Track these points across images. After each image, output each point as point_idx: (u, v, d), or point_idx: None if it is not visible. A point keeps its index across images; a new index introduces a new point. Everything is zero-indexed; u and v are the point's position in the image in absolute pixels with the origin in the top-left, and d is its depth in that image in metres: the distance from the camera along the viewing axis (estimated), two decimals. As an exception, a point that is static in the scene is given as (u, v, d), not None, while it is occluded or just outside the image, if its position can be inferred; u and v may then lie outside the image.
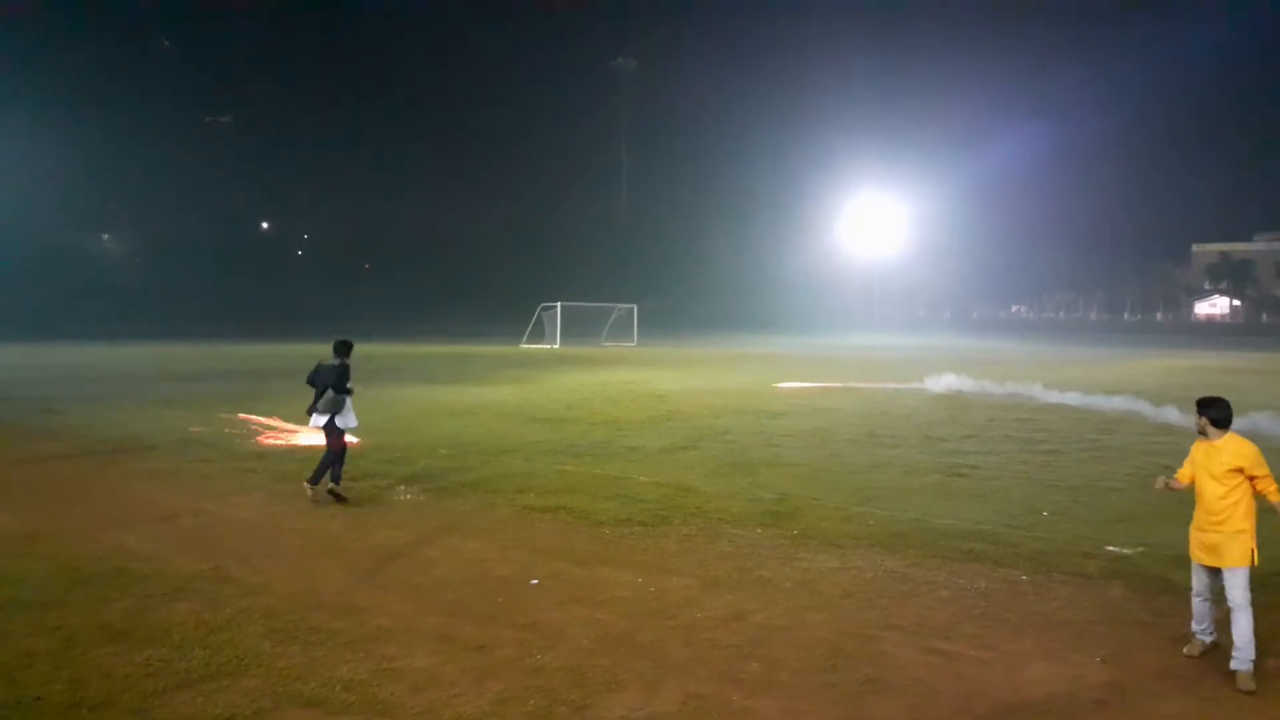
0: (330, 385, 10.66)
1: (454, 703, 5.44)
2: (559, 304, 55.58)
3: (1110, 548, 9.08)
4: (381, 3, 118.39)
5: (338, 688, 5.60)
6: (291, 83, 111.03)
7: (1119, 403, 21.51)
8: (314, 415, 10.84)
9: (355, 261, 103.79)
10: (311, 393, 10.96)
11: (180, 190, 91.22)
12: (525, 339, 54.64)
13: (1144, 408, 20.33)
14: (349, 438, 11.29)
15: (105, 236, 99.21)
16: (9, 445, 15.18)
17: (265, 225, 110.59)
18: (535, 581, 7.87)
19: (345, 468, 10.98)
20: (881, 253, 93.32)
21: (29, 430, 17.02)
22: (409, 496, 11.37)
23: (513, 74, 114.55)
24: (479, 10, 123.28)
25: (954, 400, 23.97)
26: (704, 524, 9.95)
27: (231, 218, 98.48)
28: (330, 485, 10.72)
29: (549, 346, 52.85)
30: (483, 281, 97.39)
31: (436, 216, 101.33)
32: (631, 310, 60.00)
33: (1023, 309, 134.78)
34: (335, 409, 10.70)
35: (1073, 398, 22.88)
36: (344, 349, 11.03)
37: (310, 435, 15.13)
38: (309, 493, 10.68)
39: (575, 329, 56.08)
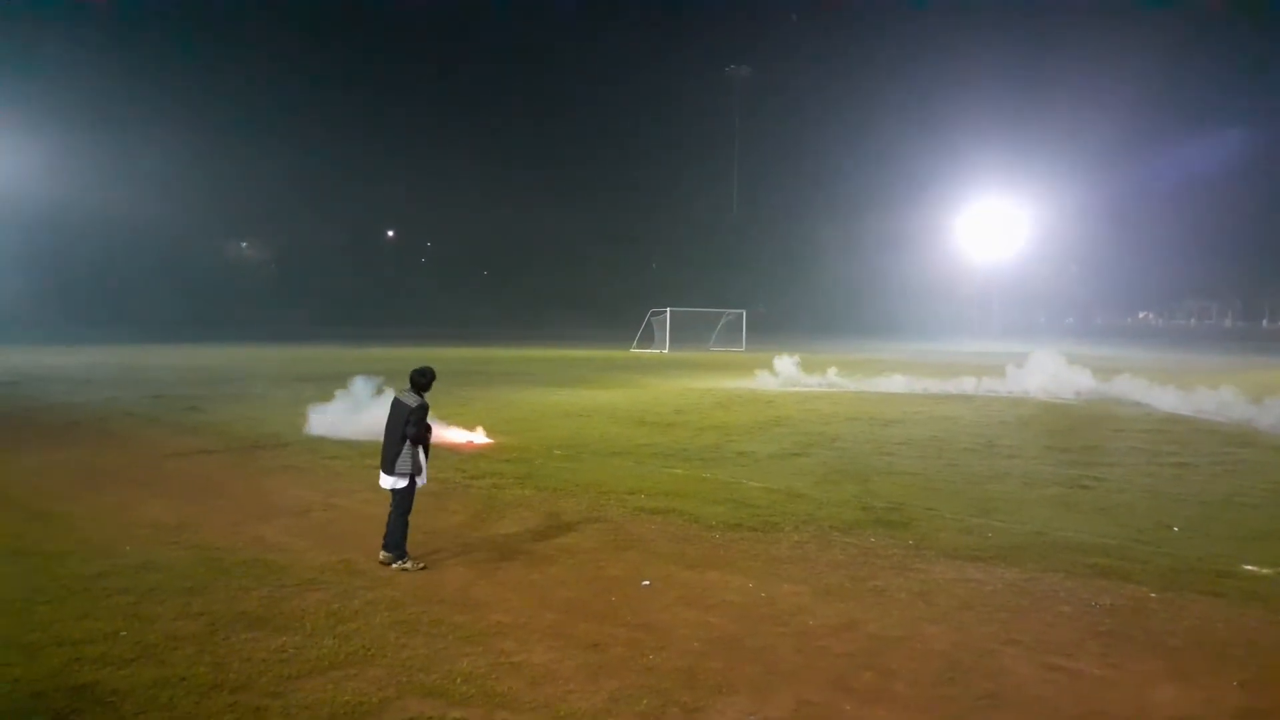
0: (406, 434, 8.32)
1: (569, 699, 5.60)
2: (668, 309, 55.85)
3: (1248, 567, 8.62)
4: (498, 15, 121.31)
5: (458, 680, 5.83)
6: (414, 94, 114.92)
7: (1245, 412, 20.30)
8: (386, 477, 8.47)
9: (473, 268, 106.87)
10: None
11: (312, 200, 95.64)
12: (635, 343, 55.12)
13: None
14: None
15: (244, 244, 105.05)
16: (160, 440, 16.26)
17: (390, 234, 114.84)
18: (647, 583, 7.99)
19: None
20: (1000, 257, 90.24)
21: (176, 427, 18.18)
22: (525, 495, 11.67)
23: (625, 82, 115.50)
24: (592, 20, 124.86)
25: (1075, 410, 23.04)
26: (815, 531, 9.89)
27: (359, 226, 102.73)
28: (394, 560, 8.40)
29: (658, 351, 53.18)
30: (594, 287, 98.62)
31: (550, 224, 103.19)
32: (740, 315, 59.80)
33: (1150, 315, 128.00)
34: (416, 469, 8.42)
35: (1207, 404, 21.70)
36: (423, 381, 8.67)
37: (451, 433, 15.70)
38: (396, 566, 8.35)
39: (684, 334, 56.27)
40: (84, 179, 70.06)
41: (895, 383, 29.31)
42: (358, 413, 16.65)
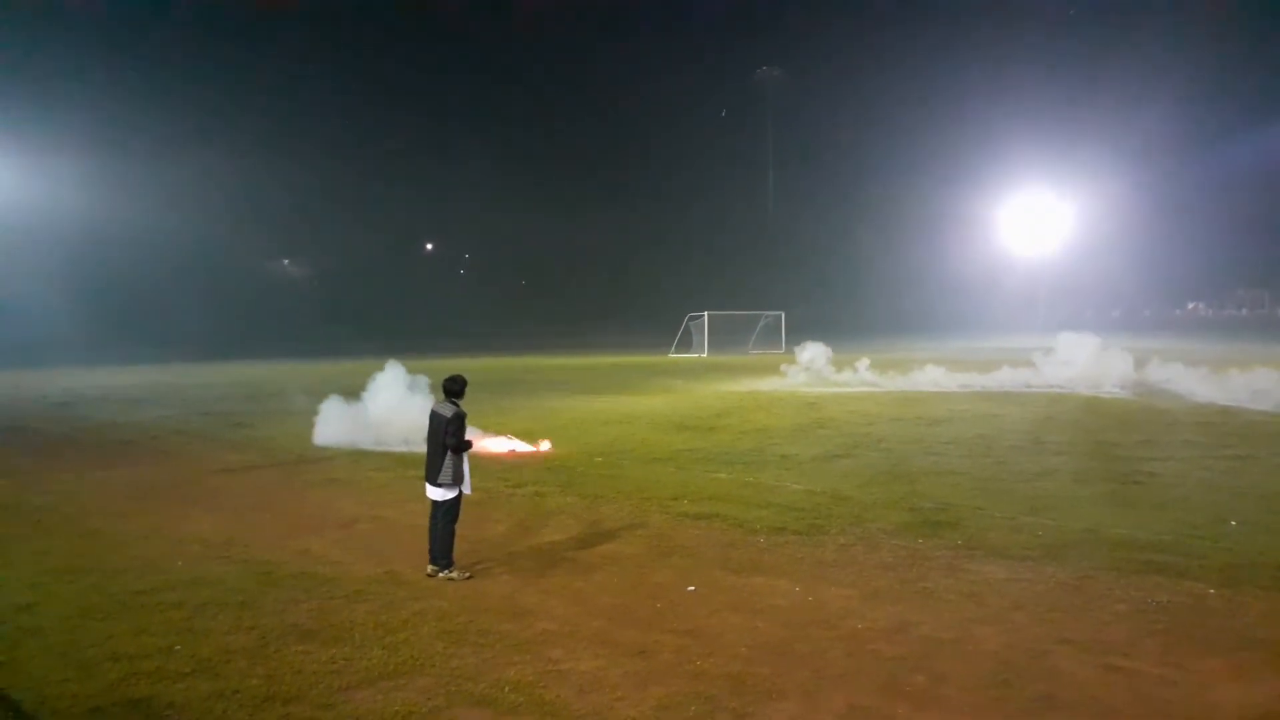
0: (446, 445, 8.36)
1: (618, 706, 5.58)
2: (706, 313, 55.72)
3: (1313, 561, 8.37)
4: (533, 25, 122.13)
5: (506, 688, 5.83)
6: (448, 105, 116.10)
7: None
8: (432, 488, 8.53)
9: (511, 278, 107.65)
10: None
11: (351, 215, 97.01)
12: (674, 348, 55.03)
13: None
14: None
15: (285, 261, 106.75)
16: (208, 457, 16.53)
17: (429, 246, 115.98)
18: (692, 588, 7.95)
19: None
20: (1045, 251, 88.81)
21: (224, 443, 18.47)
22: (568, 503, 11.68)
23: (658, 87, 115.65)
24: (627, 26, 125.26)
25: (1125, 404, 22.58)
26: (862, 533, 9.78)
27: (398, 239, 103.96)
28: (441, 571, 8.47)
29: (697, 355, 53.05)
30: (632, 293, 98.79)
31: (586, 230, 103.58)
32: (779, 317, 59.44)
33: (1200, 306, 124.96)
34: (458, 478, 8.45)
35: (1265, 395, 21.14)
36: (455, 389, 8.70)
37: (491, 442, 15.81)
38: (443, 575, 8.42)
39: (723, 338, 56.08)
40: (128, 201, 71.57)
41: (939, 380, 28.96)
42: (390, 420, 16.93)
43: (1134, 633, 6.70)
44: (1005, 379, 28.14)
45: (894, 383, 29.47)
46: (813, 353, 31.91)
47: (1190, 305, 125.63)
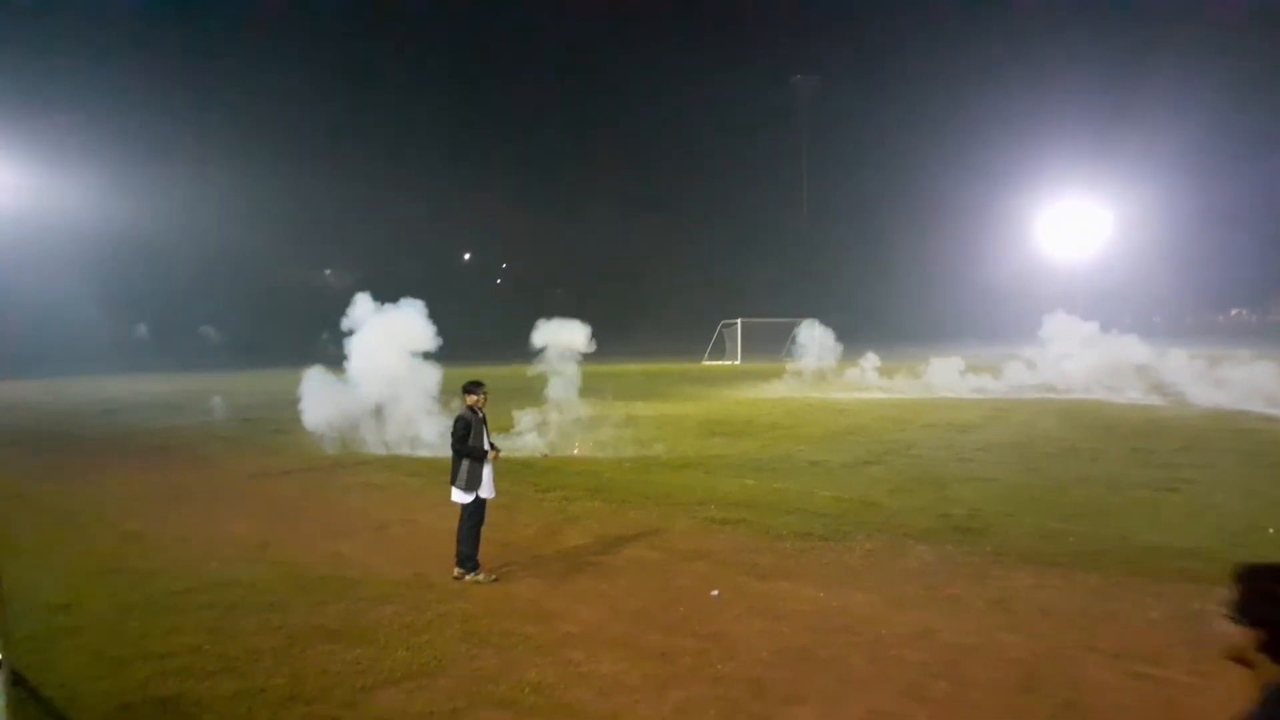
0: (453, 448, 8.58)
1: (637, 709, 5.59)
2: (739, 320, 55.63)
3: (1353, 570, 8.15)
4: (566, 36, 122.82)
5: (527, 690, 5.87)
6: (484, 116, 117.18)
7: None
8: (453, 490, 8.62)
9: (548, 287, 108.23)
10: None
11: (391, 225, 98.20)
12: (707, 355, 54.99)
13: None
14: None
15: (328, 272, 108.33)
16: (246, 462, 16.83)
17: (467, 256, 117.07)
18: (716, 593, 7.94)
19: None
20: (1084, 257, 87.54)
21: (263, 448, 18.79)
22: (596, 507, 11.72)
23: (693, 95, 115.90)
24: (660, 34, 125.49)
25: (1164, 412, 22.19)
26: (889, 539, 9.71)
27: (436, 249, 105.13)
28: (467, 574, 8.51)
29: (730, 363, 52.96)
30: (666, 300, 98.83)
31: (621, 239, 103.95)
32: (813, 325, 59.09)
33: (1243, 312, 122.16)
34: (472, 483, 8.48)
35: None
36: (466, 388, 8.76)
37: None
38: (470, 578, 8.45)
39: (756, 345, 55.90)
40: (172, 211, 73.07)
41: (972, 387, 28.70)
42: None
43: (1165, 641, 6.59)
44: (1026, 381, 27.90)
45: (925, 389, 29.24)
46: (814, 348, 32.06)
47: (1234, 311, 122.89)
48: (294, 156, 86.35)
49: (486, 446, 8.62)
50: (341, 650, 6.60)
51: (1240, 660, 2.26)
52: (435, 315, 18.33)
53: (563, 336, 18.02)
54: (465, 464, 8.49)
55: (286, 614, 7.47)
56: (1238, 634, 2.27)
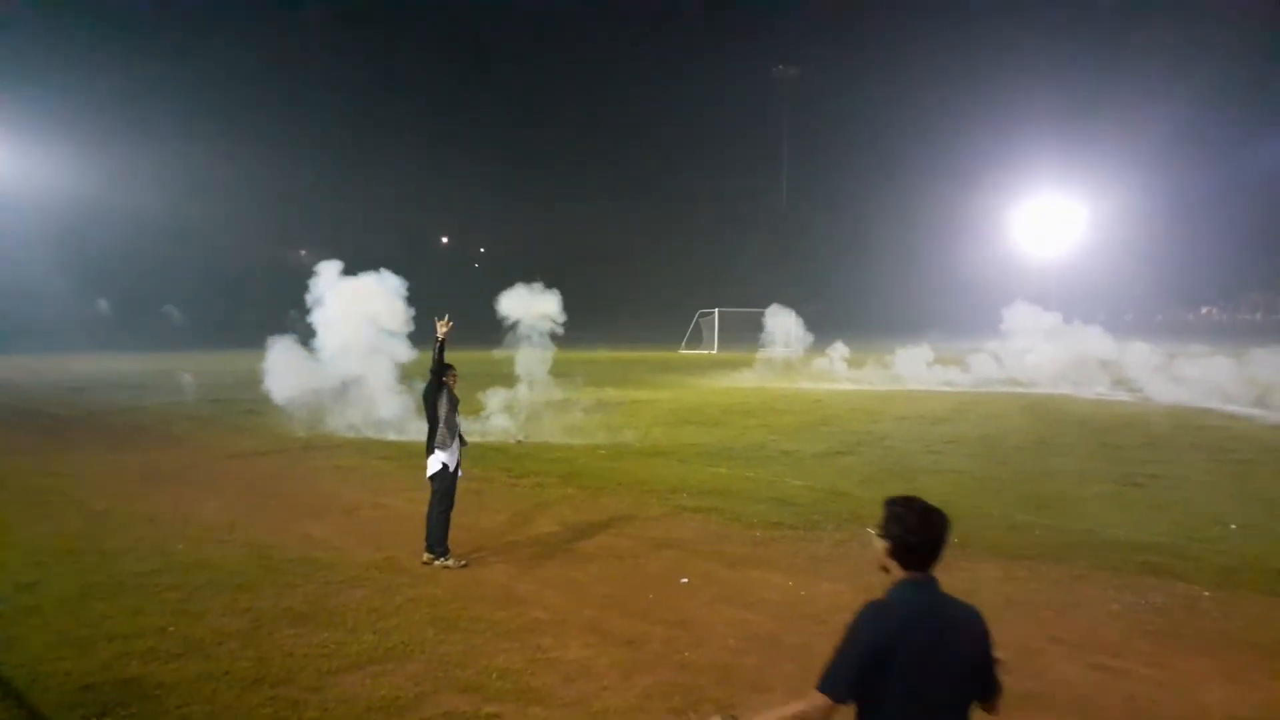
0: (424, 397, 8.71)
1: (603, 695, 5.61)
2: (716, 310, 55.72)
3: (1310, 566, 8.32)
4: (546, 20, 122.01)
5: (494, 675, 5.87)
6: (462, 99, 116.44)
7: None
8: (434, 456, 8.67)
9: (525, 272, 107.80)
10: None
11: (367, 207, 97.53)
12: (684, 344, 55.05)
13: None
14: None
15: (302, 251, 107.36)
16: (217, 442, 16.68)
17: (444, 239, 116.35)
18: (685, 580, 7.98)
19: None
20: (1056, 253, 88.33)
21: (234, 429, 18.63)
22: (569, 494, 11.73)
23: (673, 83, 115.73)
24: (641, 21, 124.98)
25: (1132, 408, 22.49)
26: (858, 529, 9.78)
27: (413, 233, 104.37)
28: (436, 559, 8.51)
29: (707, 352, 53.07)
30: (644, 288, 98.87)
31: (599, 226, 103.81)
32: (797, 319, 59.32)
33: (1214, 311, 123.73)
34: (443, 444, 8.58)
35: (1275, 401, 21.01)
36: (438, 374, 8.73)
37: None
38: (439, 564, 8.45)
39: (733, 334, 56.01)
40: (143, 188, 72.05)
41: (940, 379, 28.96)
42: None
43: (1126, 633, 6.69)
44: (993, 374, 28.21)
45: (894, 381, 29.46)
46: (835, 363, 32.22)
47: (1204, 309, 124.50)
48: (268, 135, 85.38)
49: (457, 424, 8.67)
50: (308, 633, 6.57)
51: (881, 567, 2.91)
52: (411, 297, 18.13)
53: (534, 305, 17.86)
54: (442, 423, 8.51)
55: (254, 596, 7.42)
56: (880, 547, 2.90)
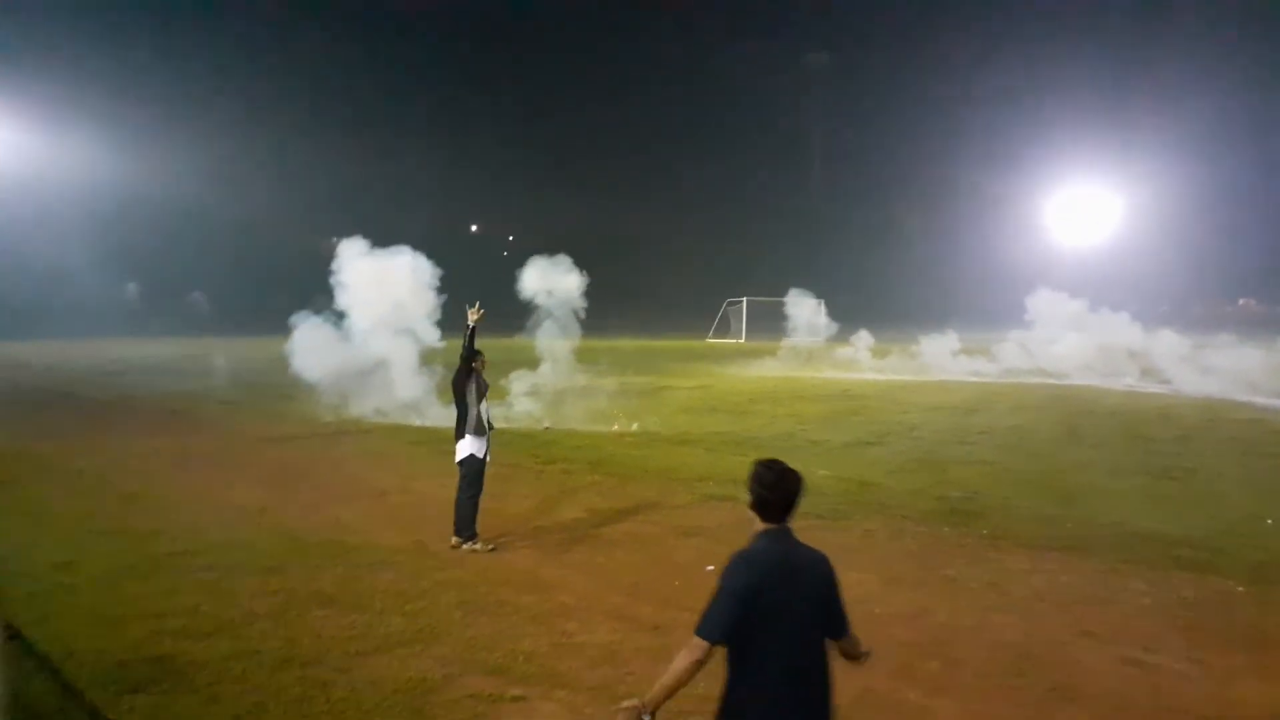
0: (453, 383, 8.83)
1: (628, 680, 5.62)
2: (744, 299, 55.50)
3: (1349, 561, 8.16)
4: (581, 12, 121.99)
5: (520, 659, 5.90)
6: (494, 90, 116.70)
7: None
8: (465, 441, 8.77)
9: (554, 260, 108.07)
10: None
11: (401, 196, 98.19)
12: (712, 333, 54.92)
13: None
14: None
15: (335, 239, 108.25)
16: (251, 427, 16.90)
17: (475, 228, 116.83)
18: (711, 568, 7.95)
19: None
20: (1092, 244, 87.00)
21: (268, 413, 18.85)
22: (596, 481, 11.74)
23: (703, 72, 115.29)
24: (670, 11, 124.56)
25: (1163, 400, 22.14)
26: (886, 520, 9.73)
27: (445, 220, 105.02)
28: (464, 543, 8.60)
29: (735, 341, 52.91)
30: (673, 276, 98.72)
31: (630, 214, 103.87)
32: (819, 305, 59.02)
33: (1251, 302, 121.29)
34: (481, 428, 8.69)
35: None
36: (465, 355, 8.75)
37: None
38: (467, 547, 8.54)
39: (761, 324, 55.79)
40: (182, 175, 72.96)
41: (967, 369, 28.68)
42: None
43: (1157, 627, 6.60)
44: (1020, 365, 27.87)
45: (920, 371, 29.22)
46: (863, 353, 31.99)
47: (1241, 301, 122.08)
48: (300, 123, 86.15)
49: (485, 412, 8.73)
50: (337, 615, 6.63)
51: (749, 518, 3.32)
52: (442, 284, 18.25)
53: (553, 278, 17.90)
54: (472, 410, 8.59)
55: (284, 578, 7.51)
56: (747, 502, 3.33)
